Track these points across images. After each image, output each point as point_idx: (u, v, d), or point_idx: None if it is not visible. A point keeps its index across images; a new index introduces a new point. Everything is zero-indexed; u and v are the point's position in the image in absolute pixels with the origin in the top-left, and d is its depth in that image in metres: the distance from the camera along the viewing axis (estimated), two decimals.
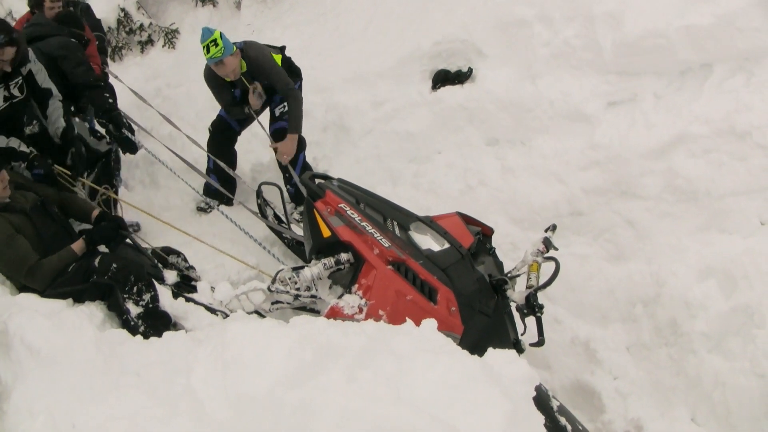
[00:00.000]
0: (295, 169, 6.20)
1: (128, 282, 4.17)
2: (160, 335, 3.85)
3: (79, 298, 4.19)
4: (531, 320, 3.98)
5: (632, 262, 5.20)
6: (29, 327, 3.55)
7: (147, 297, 4.18)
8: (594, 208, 5.54)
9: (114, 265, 4.22)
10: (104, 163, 5.62)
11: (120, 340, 3.71)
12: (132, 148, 6.14)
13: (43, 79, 5.19)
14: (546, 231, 4.39)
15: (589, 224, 5.55)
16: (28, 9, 7.68)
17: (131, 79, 9.41)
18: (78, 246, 4.35)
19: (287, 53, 6.50)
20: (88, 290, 4.17)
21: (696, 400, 4.43)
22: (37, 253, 4.22)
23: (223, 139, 6.47)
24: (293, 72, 6.42)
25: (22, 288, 4.26)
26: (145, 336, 3.98)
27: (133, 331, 4.06)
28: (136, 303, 4.15)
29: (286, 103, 6.11)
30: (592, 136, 5.71)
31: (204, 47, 5.66)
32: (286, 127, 6.06)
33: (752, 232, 4.78)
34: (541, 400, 3.46)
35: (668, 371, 4.68)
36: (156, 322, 4.14)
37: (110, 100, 5.92)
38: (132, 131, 6.37)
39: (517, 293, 4.05)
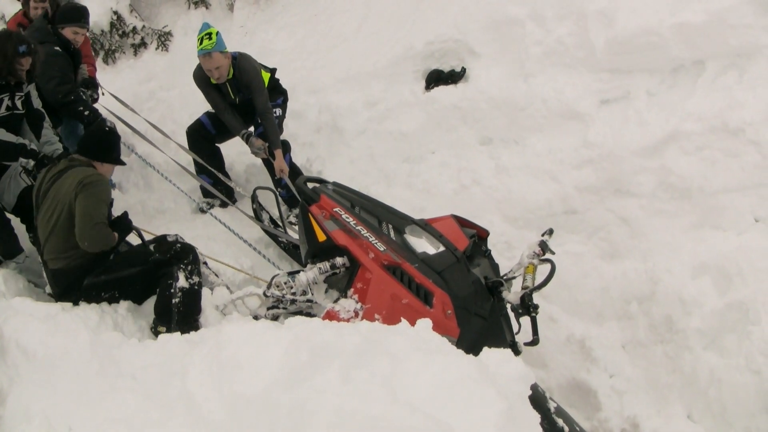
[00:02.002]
0: None
1: (187, 259, 4.39)
2: (186, 320, 4.22)
3: (132, 282, 4.41)
4: (525, 320, 3.99)
5: (627, 260, 5.21)
6: (25, 331, 3.56)
7: (196, 279, 4.38)
8: (588, 207, 5.55)
9: (178, 245, 4.47)
10: None
11: (116, 344, 3.71)
12: None
13: (37, 103, 5.28)
14: (543, 235, 4.39)
15: (583, 222, 5.55)
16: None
17: (124, 82, 9.41)
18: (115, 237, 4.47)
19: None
20: (147, 270, 4.40)
21: (692, 397, 4.44)
22: None
23: (200, 140, 6.53)
24: (279, 91, 6.58)
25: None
26: (170, 313, 4.25)
27: (167, 300, 4.28)
28: (186, 278, 4.32)
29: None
30: (586, 135, 5.72)
31: (198, 39, 5.81)
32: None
33: (746, 228, 4.79)
34: (538, 401, 3.46)
35: (664, 368, 4.69)
36: (190, 304, 4.32)
37: (86, 113, 5.90)
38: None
39: (512, 293, 4.06)
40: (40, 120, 5.26)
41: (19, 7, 8.00)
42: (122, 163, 4.79)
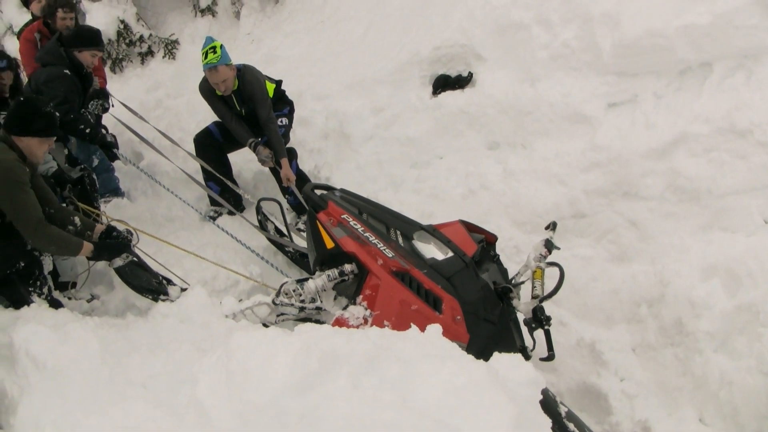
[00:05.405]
0: None
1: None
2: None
3: None
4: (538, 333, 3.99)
5: (636, 263, 5.19)
6: (34, 340, 3.56)
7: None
8: (596, 210, 5.53)
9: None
10: (80, 189, 5.67)
11: (125, 352, 3.71)
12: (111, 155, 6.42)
13: None
14: (546, 229, 4.39)
15: (592, 226, 5.54)
16: (29, 19, 7.79)
17: (132, 90, 9.45)
18: (88, 247, 4.41)
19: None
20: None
21: (703, 399, 4.42)
22: None
23: (207, 147, 6.59)
24: (285, 102, 6.65)
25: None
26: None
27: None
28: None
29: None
30: (593, 138, 5.70)
31: (203, 53, 5.90)
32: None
33: (755, 230, 4.77)
34: (549, 406, 3.46)
35: (674, 371, 4.67)
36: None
37: (87, 130, 5.95)
38: (116, 146, 6.49)
39: (523, 305, 4.06)
40: None
41: (28, 17, 8.10)
42: (51, 135, 4.50)
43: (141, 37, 10.58)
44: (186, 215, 6.77)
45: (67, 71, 5.84)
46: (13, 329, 3.69)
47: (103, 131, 6.19)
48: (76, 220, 4.68)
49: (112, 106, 7.07)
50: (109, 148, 6.27)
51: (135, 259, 4.82)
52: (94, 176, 5.92)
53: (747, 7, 5.09)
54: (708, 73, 5.37)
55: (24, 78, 7.21)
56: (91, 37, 6.06)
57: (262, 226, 6.11)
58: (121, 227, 4.94)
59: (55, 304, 4.59)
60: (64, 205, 5.21)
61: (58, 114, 5.69)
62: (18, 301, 4.38)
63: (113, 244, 4.67)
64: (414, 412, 2.27)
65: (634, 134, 5.48)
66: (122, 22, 10.45)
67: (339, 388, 2.42)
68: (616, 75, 5.82)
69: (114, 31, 10.39)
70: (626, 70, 5.77)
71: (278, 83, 6.56)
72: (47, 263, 4.71)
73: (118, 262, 4.71)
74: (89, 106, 6.40)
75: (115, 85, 9.57)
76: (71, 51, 5.93)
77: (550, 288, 4.02)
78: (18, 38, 7.76)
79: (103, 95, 6.80)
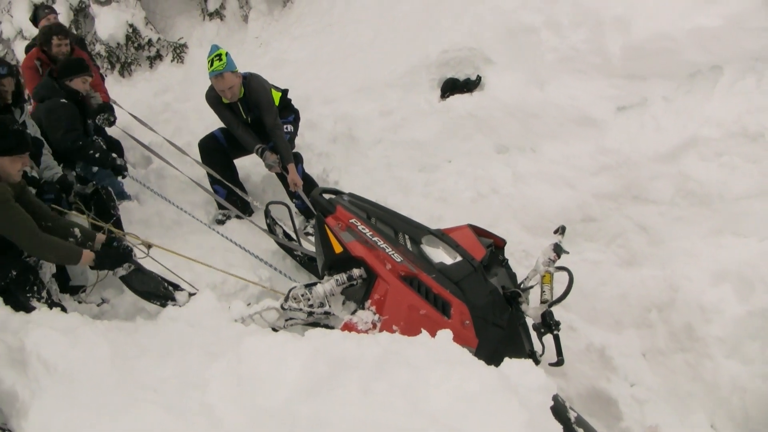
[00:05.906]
0: None
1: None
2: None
3: None
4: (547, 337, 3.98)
5: (645, 268, 5.17)
6: (46, 343, 3.56)
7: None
8: (606, 214, 5.51)
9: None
10: (96, 201, 5.73)
11: (135, 356, 3.71)
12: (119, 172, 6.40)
13: (34, 132, 5.52)
14: (555, 233, 4.37)
15: (601, 230, 5.52)
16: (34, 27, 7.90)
17: (140, 94, 9.48)
18: (88, 256, 4.44)
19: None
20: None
21: (714, 405, 4.39)
22: None
23: (213, 152, 6.64)
24: (291, 110, 6.69)
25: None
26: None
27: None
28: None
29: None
30: (602, 141, 5.68)
31: (209, 61, 5.97)
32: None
33: (767, 234, 4.74)
34: (559, 411, 3.45)
35: (685, 377, 4.64)
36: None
37: (96, 155, 6.02)
38: (126, 168, 6.52)
39: (532, 309, 4.04)
40: (39, 147, 5.40)
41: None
42: (21, 153, 4.41)
43: (149, 41, 10.62)
44: (194, 219, 6.78)
45: (63, 101, 5.97)
46: (24, 333, 3.70)
47: (114, 155, 6.21)
48: (76, 231, 4.71)
49: (117, 118, 7.14)
50: (120, 172, 6.31)
51: (137, 268, 4.85)
52: (110, 189, 5.98)
53: (757, 9, 5.06)
54: (718, 76, 5.34)
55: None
56: (77, 66, 6.21)
57: (271, 230, 6.13)
58: (134, 241, 4.96)
59: (55, 308, 4.60)
60: (70, 210, 5.26)
61: (68, 143, 5.82)
62: (20, 310, 4.40)
63: (114, 254, 4.69)
64: (424, 418, 2.26)
65: (644, 138, 5.46)
66: (131, 26, 10.49)
67: (349, 393, 2.42)
68: (625, 78, 5.80)
69: (123, 35, 10.44)
70: (635, 73, 5.75)
71: (284, 92, 6.59)
72: (47, 268, 4.75)
73: (121, 271, 4.77)
74: (97, 120, 6.49)
75: (124, 89, 9.61)
76: (63, 82, 6.07)
77: (559, 292, 4.00)
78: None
79: (109, 109, 6.91)
